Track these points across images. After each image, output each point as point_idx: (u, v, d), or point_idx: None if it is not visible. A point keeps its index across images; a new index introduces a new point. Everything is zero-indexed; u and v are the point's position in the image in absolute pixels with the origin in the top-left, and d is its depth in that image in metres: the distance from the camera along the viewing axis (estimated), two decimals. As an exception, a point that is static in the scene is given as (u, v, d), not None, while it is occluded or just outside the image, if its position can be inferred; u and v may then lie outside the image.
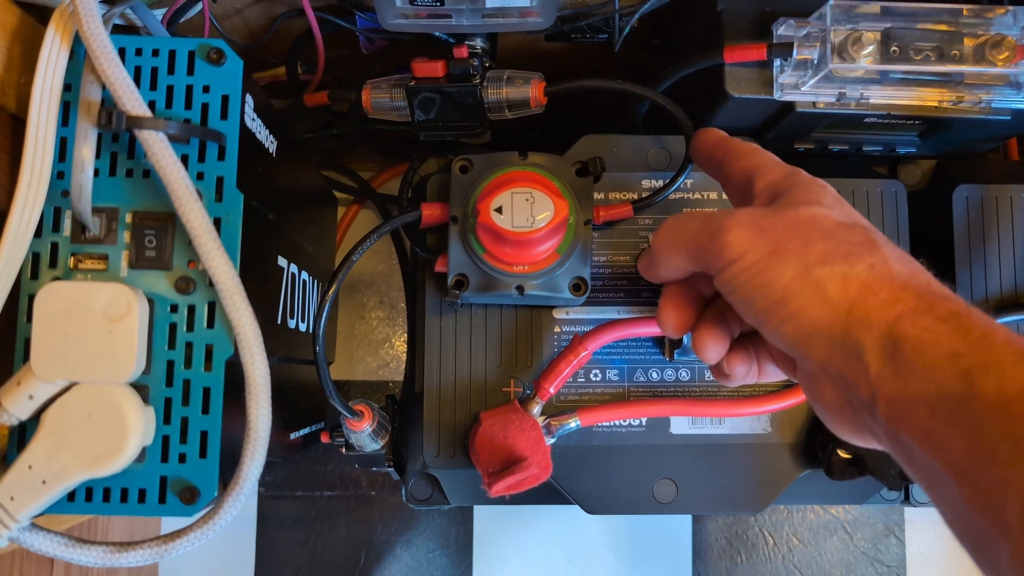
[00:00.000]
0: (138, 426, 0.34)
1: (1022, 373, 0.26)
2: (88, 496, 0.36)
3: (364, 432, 0.50)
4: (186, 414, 0.36)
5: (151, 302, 0.36)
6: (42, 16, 0.40)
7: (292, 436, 0.51)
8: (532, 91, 0.48)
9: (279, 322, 0.46)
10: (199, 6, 0.50)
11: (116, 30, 0.42)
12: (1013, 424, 0.25)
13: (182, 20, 0.51)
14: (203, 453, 0.36)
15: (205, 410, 0.37)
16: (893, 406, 0.29)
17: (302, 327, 0.51)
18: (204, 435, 0.36)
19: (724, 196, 0.51)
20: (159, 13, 0.49)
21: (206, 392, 0.37)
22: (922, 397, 0.28)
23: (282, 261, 0.46)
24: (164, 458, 0.36)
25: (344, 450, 0.53)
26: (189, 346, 0.37)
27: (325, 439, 0.56)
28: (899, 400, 0.29)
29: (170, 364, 0.36)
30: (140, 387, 0.36)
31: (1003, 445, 0.25)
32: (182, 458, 0.36)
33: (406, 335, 0.74)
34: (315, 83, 0.58)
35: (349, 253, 0.47)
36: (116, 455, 0.34)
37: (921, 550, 0.75)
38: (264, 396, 0.36)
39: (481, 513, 0.73)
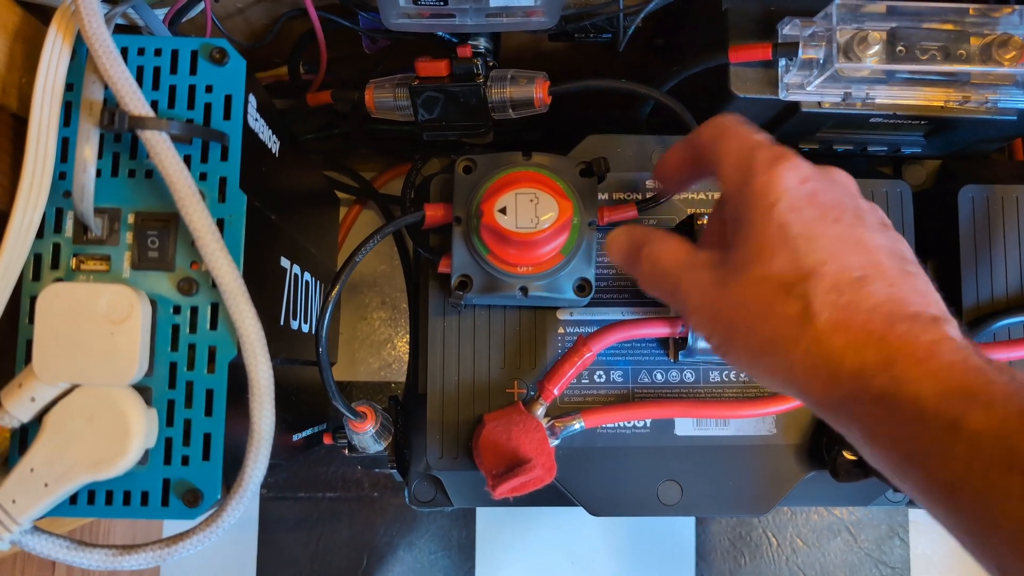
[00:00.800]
0: (140, 429, 0.34)
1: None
2: (90, 499, 0.36)
3: (367, 433, 0.49)
4: (189, 416, 0.36)
5: (153, 303, 0.36)
6: (44, 16, 0.40)
7: (295, 438, 0.51)
8: (536, 91, 0.47)
9: (282, 323, 0.45)
10: (201, 6, 0.50)
11: (118, 30, 0.42)
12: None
13: (184, 20, 0.50)
14: (206, 456, 0.36)
15: (208, 412, 0.36)
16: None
17: (304, 328, 0.51)
18: (207, 437, 0.36)
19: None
20: (161, 13, 0.49)
21: (209, 394, 0.36)
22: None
23: (285, 262, 0.46)
24: (167, 460, 0.36)
25: (347, 451, 0.53)
26: (192, 348, 0.36)
27: (328, 441, 0.56)
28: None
29: (173, 366, 0.36)
30: (143, 389, 0.36)
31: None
32: (185, 460, 0.36)
33: (408, 336, 0.74)
34: (317, 83, 0.58)
35: (352, 254, 0.47)
36: (118, 458, 0.34)
37: (925, 552, 0.75)
38: (268, 398, 0.36)
39: (484, 515, 0.73)
